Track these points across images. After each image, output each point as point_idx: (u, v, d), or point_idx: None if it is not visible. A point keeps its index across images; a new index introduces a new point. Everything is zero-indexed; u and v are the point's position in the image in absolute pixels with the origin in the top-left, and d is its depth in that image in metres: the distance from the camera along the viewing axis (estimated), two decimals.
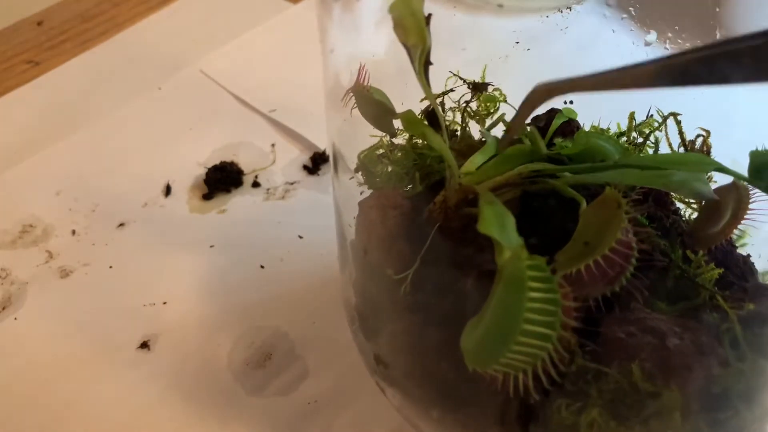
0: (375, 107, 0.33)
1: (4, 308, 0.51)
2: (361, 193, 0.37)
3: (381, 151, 0.36)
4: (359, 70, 0.33)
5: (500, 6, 0.40)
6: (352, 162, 0.37)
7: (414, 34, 0.29)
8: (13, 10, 0.74)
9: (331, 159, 0.39)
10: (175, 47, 0.69)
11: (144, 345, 0.49)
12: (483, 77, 0.36)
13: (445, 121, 0.34)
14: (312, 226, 0.54)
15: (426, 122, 0.34)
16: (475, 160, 0.32)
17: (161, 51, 0.69)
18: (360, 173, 0.36)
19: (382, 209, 0.34)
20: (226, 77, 0.66)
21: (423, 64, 0.30)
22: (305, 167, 0.59)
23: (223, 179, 0.58)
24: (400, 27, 0.29)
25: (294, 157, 0.60)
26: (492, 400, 0.31)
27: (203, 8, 0.73)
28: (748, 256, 0.33)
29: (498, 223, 0.27)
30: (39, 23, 0.73)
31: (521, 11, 0.38)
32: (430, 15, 0.29)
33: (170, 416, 0.45)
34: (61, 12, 0.74)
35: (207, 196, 0.58)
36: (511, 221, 0.27)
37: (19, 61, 0.70)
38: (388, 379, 0.38)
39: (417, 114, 0.35)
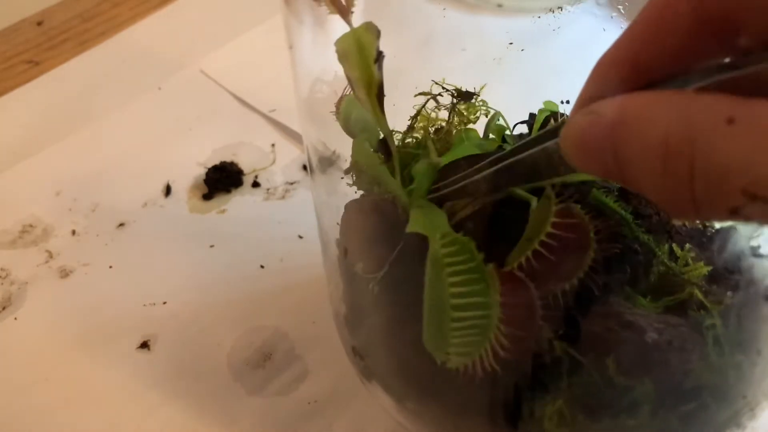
0: (344, 124, 0.34)
1: (4, 308, 0.51)
2: (356, 192, 0.37)
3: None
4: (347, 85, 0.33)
5: (500, 6, 0.40)
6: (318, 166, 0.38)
7: (358, 69, 0.29)
8: (13, 10, 0.74)
9: (308, 166, 0.39)
10: (175, 47, 0.69)
11: (144, 345, 0.49)
12: (480, 91, 0.36)
13: (397, 151, 0.34)
14: (312, 226, 0.53)
15: (381, 153, 0.35)
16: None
17: (161, 51, 0.69)
18: (351, 174, 0.37)
19: (364, 212, 0.34)
20: (226, 77, 0.66)
21: (374, 97, 0.30)
22: (305, 167, 0.59)
23: (223, 179, 0.58)
24: (344, 60, 0.30)
25: (294, 157, 0.60)
26: (461, 389, 0.32)
27: (203, 8, 0.73)
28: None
29: (425, 221, 0.29)
30: (39, 23, 0.73)
31: (521, 11, 0.38)
32: (381, 53, 0.29)
33: (170, 415, 0.45)
34: (61, 12, 0.74)
35: (207, 196, 0.58)
36: (441, 218, 0.29)
37: (19, 61, 0.70)
38: (365, 371, 0.39)
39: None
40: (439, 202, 0.31)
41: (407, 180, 0.33)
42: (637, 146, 0.19)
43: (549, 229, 0.28)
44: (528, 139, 0.26)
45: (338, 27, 0.30)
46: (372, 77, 0.29)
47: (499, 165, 0.28)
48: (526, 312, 0.28)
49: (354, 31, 0.29)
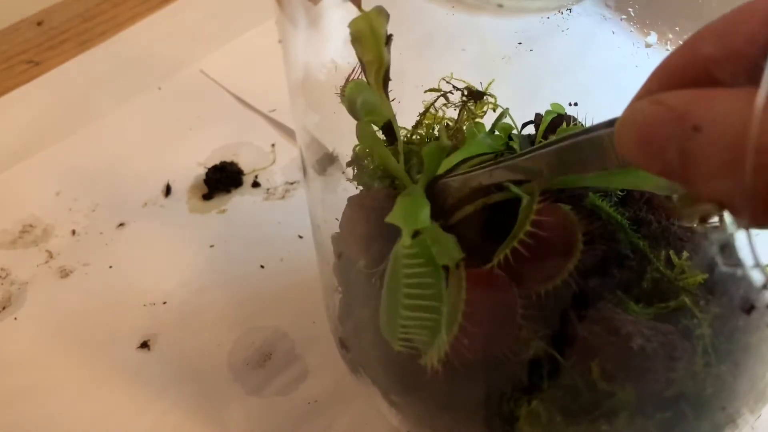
0: (349, 107, 0.34)
1: (4, 308, 0.51)
2: (357, 187, 0.37)
3: None
4: (353, 69, 0.33)
5: (500, 6, 0.40)
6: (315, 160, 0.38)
7: (370, 51, 0.30)
8: (13, 10, 0.74)
9: (301, 164, 0.39)
10: (175, 47, 0.69)
11: (144, 345, 0.49)
12: (487, 89, 0.36)
13: (401, 136, 0.34)
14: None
15: (384, 134, 0.35)
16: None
17: (161, 51, 0.69)
18: (352, 167, 0.37)
19: (365, 208, 0.34)
20: (226, 77, 0.66)
21: (381, 80, 0.31)
22: None
23: (223, 179, 0.58)
24: (357, 42, 0.30)
25: (294, 157, 0.60)
26: (438, 383, 0.32)
27: (203, 8, 0.73)
28: None
29: (406, 213, 0.29)
30: (39, 23, 0.73)
31: (521, 11, 0.38)
32: (390, 36, 0.30)
33: (169, 415, 0.45)
34: (61, 12, 0.74)
35: (207, 196, 0.58)
36: (424, 211, 0.29)
37: (19, 61, 0.69)
38: (352, 363, 0.39)
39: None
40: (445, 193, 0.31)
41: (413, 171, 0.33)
42: (715, 143, 0.18)
43: (528, 227, 0.27)
44: (578, 130, 0.25)
45: (331, 17, 0.30)
46: (382, 60, 0.30)
47: (539, 150, 0.26)
48: (499, 310, 0.28)
49: (366, 15, 0.30)
